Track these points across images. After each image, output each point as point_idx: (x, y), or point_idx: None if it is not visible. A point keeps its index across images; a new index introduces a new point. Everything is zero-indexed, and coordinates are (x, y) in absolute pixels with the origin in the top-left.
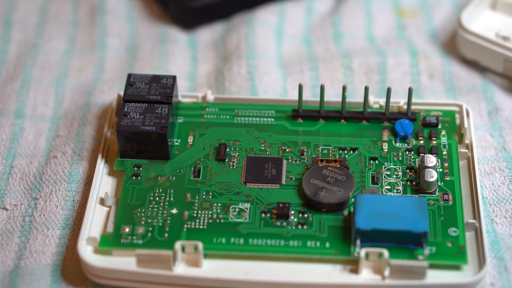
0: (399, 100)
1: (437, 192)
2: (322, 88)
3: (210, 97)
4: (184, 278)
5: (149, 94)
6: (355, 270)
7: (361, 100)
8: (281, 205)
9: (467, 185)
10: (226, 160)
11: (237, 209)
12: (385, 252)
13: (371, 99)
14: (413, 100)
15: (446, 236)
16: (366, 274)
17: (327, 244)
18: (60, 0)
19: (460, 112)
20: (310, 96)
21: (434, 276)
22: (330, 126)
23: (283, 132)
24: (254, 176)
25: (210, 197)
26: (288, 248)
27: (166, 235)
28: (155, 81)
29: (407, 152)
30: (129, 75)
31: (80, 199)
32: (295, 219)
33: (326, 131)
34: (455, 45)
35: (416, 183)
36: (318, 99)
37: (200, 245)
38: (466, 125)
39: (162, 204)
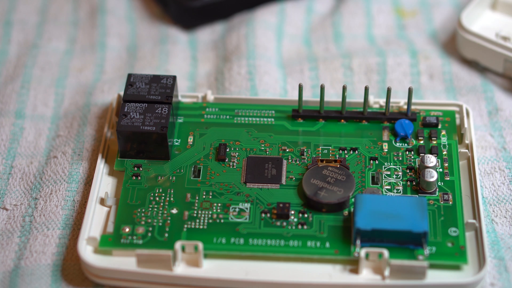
0: (399, 100)
1: (437, 192)
2: (322, 88)
3: (210, 97)
4: (184, 278)
5: (149, 94)
6: (355, 270)
7: (361, 100)
8: (281, 205)
9: (467, 185)
10: (226, 160)
11: (237, 209)
12: (385, 252)
13: (371, 99)
14: (413, 100)
15: (446, 236)
16: (366, 274)
17: (327, 244)
18: (60, 0)
19: (460, 112)
20: (310, 96)
21: (434, 276)
22: (330, 126)
23: (283, 132)
24: (254, 176)
25: (210, 197)
26: (288, 248)
27: (166, 235)
28: (155, 81)
29: (407, 152)
30: (129, 75)
31: (80, 199)
32: (295, 219)
33: (326, 131)
34: (455, 45)
35: (416, 183)
36: (318, 99)
37: (200, 245)
38: (466, 125)
39: (162, 204)
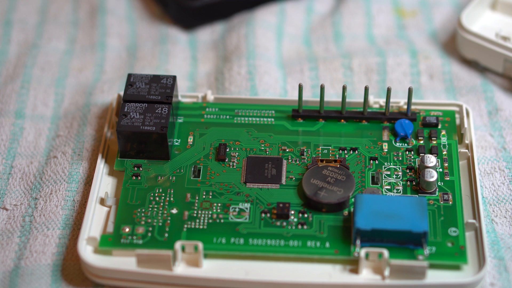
0: (399, 100)
1: (437, 192)
2: (322, 88)
3: (210, 97)
4: (184, 278)
5: (149, 94)
6: (355, 270)
7: (361, 100)
8: (281, 205)
9: (467, 185)
10: (226, 160)
11: (237, 209)
12: (385, 252)
13: (371, 99)
14: (413, 100)
15: (446, 236)
16: (366, 274)
17: (327, 244)
18: (60, 0)
19: (460, 112)
20: (310, 96)
21: (434, 276)
22: (330, 126)
23: (283, 132)
24: (254, 176)
25: (210, 197)
26: (288, 248)
27: (166, 235)
28: (155, 81)
29: (407, 152)
30: (129, 75)
31: (80, 199)
32: (295, 219)
33: (326, 131)
34: (455, 45)
35: (416, 183)
36: (318, 99)
37: (200, 245)
38: (466, 125)
39: (162, 204)
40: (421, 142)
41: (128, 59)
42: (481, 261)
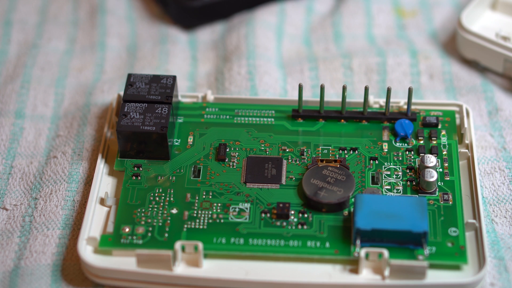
0: (399, 100)
1: (437, 192)
2: (322, 88)
3: (210, 97)
4: (184, 278)
5: (149, 94)
6: (355, 270)
7: (361, 100)
8: (281, 205)
9: (467, 185)
10: (226, 160)
11: (237, 209)
12: (385, 252)
13: (371, 99)
14: (413, 100)
15: (446, 236)
16: (366, 274)
17: (327, 244)
18: (60, 0)
19: (460, 112)
20: (310, 96)
21: (434, 276)
22: (330, 126)
23: (283, 132)
24: (254, 176)
25: (210, 197)
26: (288, 248)
27: (166, 235)
28: (155, 81)
29: (407, 152)
30: (129, 75)
31: (80, 199)
32: (295, 219)
33: (326, 131)
34: (455, 45)
35: (416, 183)
36: (318, 99)
37: (200, 245)
38: (466, 125)
39: (162, 204)
40: (421, 142)
41: (128, 59)
42: (481, 261)
